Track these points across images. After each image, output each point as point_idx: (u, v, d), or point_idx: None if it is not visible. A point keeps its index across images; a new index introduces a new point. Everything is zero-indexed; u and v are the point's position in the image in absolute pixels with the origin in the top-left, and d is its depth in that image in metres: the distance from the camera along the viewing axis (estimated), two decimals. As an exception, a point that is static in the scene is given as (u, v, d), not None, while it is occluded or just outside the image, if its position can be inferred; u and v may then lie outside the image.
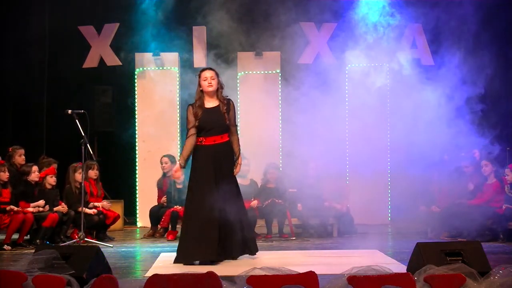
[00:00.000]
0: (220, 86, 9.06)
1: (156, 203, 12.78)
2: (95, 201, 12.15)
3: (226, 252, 8.80)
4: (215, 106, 8.99)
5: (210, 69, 9.23)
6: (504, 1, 12.50)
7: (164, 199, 12.57)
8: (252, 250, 9.04)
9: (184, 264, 8.64)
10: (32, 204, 11.19)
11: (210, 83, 8.97)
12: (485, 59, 12.64)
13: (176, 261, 8.80)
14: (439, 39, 13.09)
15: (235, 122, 9.15)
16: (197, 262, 8.70)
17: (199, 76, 9.10)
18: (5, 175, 11.07)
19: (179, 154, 13.82)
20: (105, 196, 12.58)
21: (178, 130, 14.52)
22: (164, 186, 12.75)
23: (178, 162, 9.22)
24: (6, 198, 10.98)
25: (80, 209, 11.20)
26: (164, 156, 13.08)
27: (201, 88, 9.04)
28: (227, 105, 9.01)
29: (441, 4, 12.30)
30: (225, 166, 8.93)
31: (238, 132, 9.24)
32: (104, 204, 12.24)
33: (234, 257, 8.81)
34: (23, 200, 11.22)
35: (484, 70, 12.56)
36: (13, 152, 11.94)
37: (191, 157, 9.04)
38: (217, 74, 9.10)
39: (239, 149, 9.09)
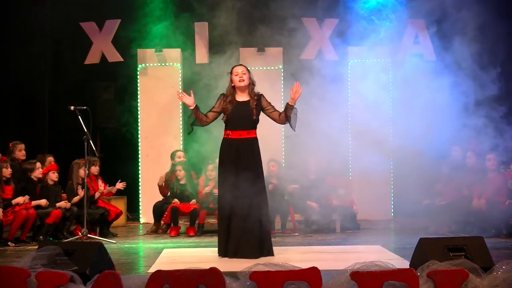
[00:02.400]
0: (251, 82, 9.07)
1: (159, 200, 12.76)
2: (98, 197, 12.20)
3: (241, 252, 8.78)
4: (245, 101, 9.03)
5: (242, 65, 9.27)
6: None
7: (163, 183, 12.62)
8: (269, 252, 8.98)
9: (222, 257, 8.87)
10: (33, 202, 11.19)
11: (242, 77, 9.00)
12: (492, 52, 12.66)
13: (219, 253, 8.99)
14: (442, 33, 13.06)
15: (272, 105, 9.15)
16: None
17: (231, 73, 9.13)
18: (7, 172, 11.07)
19: (182, 147, 13.89)
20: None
21: (181, 126, 14.53)
22: (171, 180, 12.74)
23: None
24: (9, 194, 10.99)
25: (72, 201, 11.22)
26: (179, 150, 13.23)
27: (233, 84, 9.06)
28: (258, 101, 9.02)
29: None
30: (249, 162, 8.92)
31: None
32: (105, 189, 12.30)
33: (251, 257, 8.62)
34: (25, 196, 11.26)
35: (490, 65, 12.58)
36: (13, 148, 11.97)
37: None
38: (248, 70, 9.11)
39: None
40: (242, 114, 8.94)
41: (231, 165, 8.86)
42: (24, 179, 11.53)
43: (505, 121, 11.89)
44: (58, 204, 11.37)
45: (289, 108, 8.93)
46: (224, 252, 8.89)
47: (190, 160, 12.97)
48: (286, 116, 8.98)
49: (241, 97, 9.03)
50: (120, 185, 12.43)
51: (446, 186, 12.26)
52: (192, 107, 9.00)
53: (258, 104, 9.01)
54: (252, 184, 8.82)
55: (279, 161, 12.98)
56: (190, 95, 9.04)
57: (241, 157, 8.88)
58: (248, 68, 9.20)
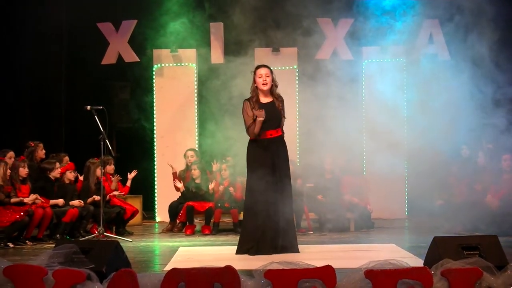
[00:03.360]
0: (274, 84, 9.09)
1: (175, 199, 12.77)
2: (113, 196, 12.23)
3: (267, 248, 8.82)
4: (269, 102, 9.07)
5: (266, 66, 9.20)
6: None
7: (181, 186, 12.61)
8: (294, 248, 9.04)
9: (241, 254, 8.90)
10: (51, 201, 11.25)
11: (265, 80, 9.02)
12: (509, 52, 12.61)
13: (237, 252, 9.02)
14: (456, 33, 13.01)
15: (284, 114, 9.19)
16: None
17: (254, 73, 9.13)
18: (24, 171, 11.14)
19: (197, 146, 13.91)
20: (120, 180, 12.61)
21: (196, 126, 14.56)
22: (186, 179, 12.76)
23: (260, 120, 8.93)
24: (25, 193, 11.06)
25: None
26: (189, 150, 13.19)
27: (255, 85, 9.07)
28: (282, 102, 9.09)
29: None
30: (279, 161, 8.97)
31: None
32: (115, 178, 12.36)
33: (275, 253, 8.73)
34: (43, 196, 11.27)
35: (506, 64, 12.53)
36: (35, 147, 12.04)
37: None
38: (271, 72, 9.12)
39: None
40: (270, 114, 8.96)
41: (263, 165, 8.91)
42: (43, 178, 11.58)
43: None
44: (71, 203, 11.41)
45: None
46: (250, 250, 8.88)
47: (205, 159, 12.99)
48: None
49: (265, 98, 9.08)
50: (131, 175, 12.48)
51: (458, 185, 12.24)
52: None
53: (282, 105, 9.09)
54: (284, 183, 8.92)
55: (294, 160, 12.96)
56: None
57: (273, 156, 8.94)
58: (271, 69, 9.19)
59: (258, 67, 9.20)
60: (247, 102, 9.08)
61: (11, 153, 11.64)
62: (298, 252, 8.95)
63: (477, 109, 11.87)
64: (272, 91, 9.09)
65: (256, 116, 8.88)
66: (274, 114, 9.00)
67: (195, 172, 12.60)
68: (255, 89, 9.10)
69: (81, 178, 12.23)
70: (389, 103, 13.74)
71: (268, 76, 9.03)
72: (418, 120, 13.09)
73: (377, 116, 13.97)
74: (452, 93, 12.31)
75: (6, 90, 14.00)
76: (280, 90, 9.29)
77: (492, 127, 11.85)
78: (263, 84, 9.01)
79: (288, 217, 9.02)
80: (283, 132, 9.13)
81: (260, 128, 8.92)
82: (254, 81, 9.10)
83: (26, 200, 10.83)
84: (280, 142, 9.06)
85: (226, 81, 11.57)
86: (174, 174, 12.73)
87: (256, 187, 8.92)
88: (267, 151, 8.95)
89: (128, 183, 12.61)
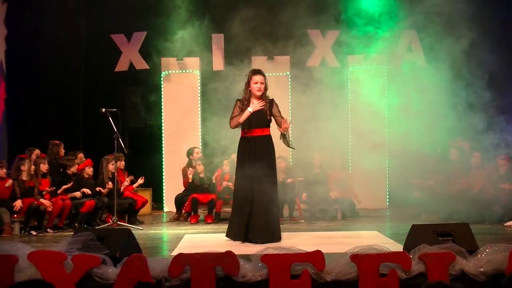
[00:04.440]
0: (265, 88, 9.02)
1: (180, 191, 12.77)
2: (125, 189, 12.21)
3: (253, 237, 8.74)
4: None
5: (261, 73, 9.09)
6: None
7: (190, 172, 12.59)
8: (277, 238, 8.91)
9: (233, 240, 8.89)
10: (69, 194, 11.27)
11: (260, 88, 8.95)
12: (480, 61, 12.61)
13: (227, 235, 9.03)
14: (432, 42, 13.00)
15: (280, 114, 9.04)
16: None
17: (250, 78, 9.03)
18: (44, 167, 11.18)
19: (200, 145, 13.89)
20: (133, 181, 12.57)
21: (199, 127, 14.54)
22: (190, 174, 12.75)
23: (249, 111, 8.91)
24: (45, 187, 11.11)
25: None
26: (196, 147, 13.23)
27: (249, 88, 9.01)
28: (270, 104, 8.97)
29: (434, 11, 12.22)
30: (265, 157, 8.89)
31: None
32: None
33: (260, 242, 8.57)
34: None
35: (477, 72, 12.54)
36: (58, 146, 12.05)
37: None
38: (265, 78, 9.06)
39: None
40: (257, 115, 8.91)
41: (248, 160, 8.84)
42: (61, 174, 11.59)
43: (493, 122, 11.82)
44: (83, 190, 11.38)
45: (281, 134, 8.98)
46: (236, 236, 8.89)
47: (208, 156, 12.99)
48: (281, 136, 9.02)
49: (255, 100, 9.00)
50: (140, 181, 12.48)
51: (433, 178, 12.24)
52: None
53: (270, 107, 8.98)
54: (266, 176, 8.81)
55: (286, 157, 12.96)
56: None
57: (257, 152, 8.86)
58: (265, 76, 9.13)
59: (255, 73, 9.08)
60: (239, 102, 9.06)
61: (37, 151, 11.71)
62: (280, 240, 8.78)
63: (452, 111, 11.86)
64: (262, 96, 9.02)
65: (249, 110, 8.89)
66: (260, 115, 8.92)
67: (200, 168, 12.59)
68: (249, 92, 9.03)
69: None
70: (372, 106, 13.75)
71: (262, 84, 8.97)
72: (398, 122, 13.06)
73: (361, 117, 13.99)
74: (430, 97, 12.30)
75: (31, 95, 13.98)
76: (274, 94, 9.25)
77: (467, 128, 11.85)
78: (257, 90, 8.95)
79: (273, 208, 8.91)
80: (269, 132, 9.01)
81: (246, 121, 8.87)
82: (249, 85, 9.02)
83: (44, 201, 10.83)
84: (266, 140, 8.95)
85: (227, 86, 11.55)
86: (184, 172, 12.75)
87: (242, 180, 8.89)
88: (254, 147, 8.88)
89: (135, 185, 12.55)
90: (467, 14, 11.97)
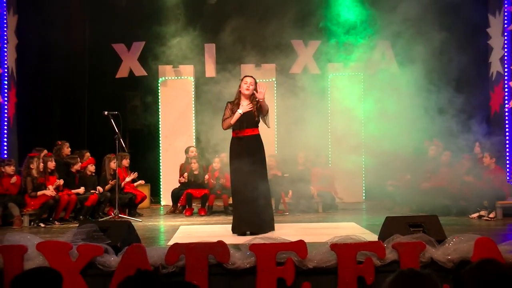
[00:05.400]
0: (255, 91, 8.95)
1: (176, 186, 12.80)
2: (126, 184, 12.18)
3: (257, 227, 8.65)
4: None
5: (251, 76, 9.16)
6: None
7: (184, 179, 12.57)
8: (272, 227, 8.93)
9: (238, 235, 8.66)
10: (73, 190, 11.23)
11: (248, 87, 8.93)
12: (445, 70, 12.69)
13: (233, 231, 8.85)
14: (403, 52, 13.04)
15: (267, 111, 9.02)
16: (248, 233, 8.63)
17: (241, 80, 9.09)
18: (52, 165, 11.17)
19: (194, 145, 13.88)
20: (134, 180, 12.54)
21: (194, 128, 14.52)
22: (186, 170, 12.75)
23: (239, 112, 8.87)
24: (52, 183, 11.06)
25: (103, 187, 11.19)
26: (192, 146, 13.24)
27: (240, 89, 8.99)
28: (257, 106, 8.92)
29: (405, 21, 12.27)
30: (256, 154, 8.85)
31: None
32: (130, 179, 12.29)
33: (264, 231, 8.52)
34: (66, 186, 11.28)
35: (443, 79, 12.60)
36: (62, 145, 12.01)
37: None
38: (255, 82, 9.03)
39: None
40: (247, 117, 8.89)
41: (241, 158, 8.80)
42: (66, 172, 11.56)
43: (457, 124, 11.86)
44: (75, 191, 11.33)
45: (260, 103, 8.91)
46: (242, 228, 8.76)
47: (201, 154, 12.99)
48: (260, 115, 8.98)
49: (245, 102, 8.97)
50: (140, 182, 12.47)
51: (405, 175, 12.28)
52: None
53: (258, 108, 8.95)
54: (258, 171, 8.79)
55: (273, 155, 12.97)
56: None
57: (249, 150, 8.83)
58: (256, 80, 9.11)
59: (246, 76, 9.18)
60: (229, 103, 9.04)
61: (45, 151, 11.66)
62: (274, 230, 8.82)
63: (424, 114, 11.90)
64: (252, 97, 9.00)
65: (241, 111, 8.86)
66: (250, 116, 8.90)
67: (194, 165, 12.59)
68: (239, 93, 9.02)
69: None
70: (350, 110, 13.78)
71: (251, 84, 8.96)
72: (374, 124, 13.09)
73: (340, 120, 14.01)
74: (403, 102, 12.33)
75: (40, 99, 13.92)
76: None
77: (437, 129, 11.89)
78: (246, 89, 8.93)
79: (266, 199, 8.90)
80: (259, 131, 8.97)
81: (236, 122, 8.84)
82: (240, 86, 9.04)
83: (48, 193, 10.75)
84: (256, 139, 8.91)
85: (218, 90, 11.55)
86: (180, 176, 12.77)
87: (237, 176, 8.86)
88: (245, 145, 8.84)
89: (136, 184, 12.50)
90: (435, 24, 12.05)
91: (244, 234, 8.63)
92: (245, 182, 8.75)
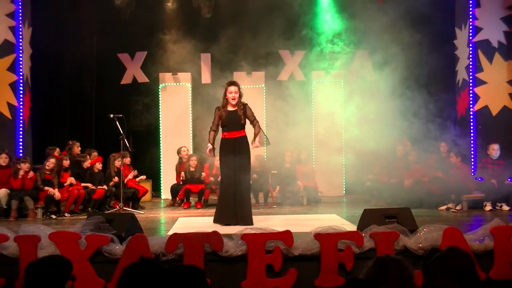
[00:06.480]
0: (239, 96, 8.90)
1: (175, 182, 12.81)
2: (129, 180, 12.15)
3: (239, 219, 8.59)
4: (234, 110, 8.86)
5: (235, 84, 8.99)
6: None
7: (181, 178, 12.58)
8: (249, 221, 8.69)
9: (221, 225, 8.53)
10: (83, 184, 11.20)
11: (234, 97, 8.82)
12: (417, 76, 12.73)
13: (215, 221, 8.76)
14: (380, 60, 13.06)
15: (254, 117, 8.95)
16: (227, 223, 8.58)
17: (226, 88, 8.90)
18: (66, 163, 11.16)
19: (191, 144, 13.90)
20: (136, 176, 12.50)
21: (191, 129, 14.52)
22: (181, 168, 12.75)
23: (208, 146, 8.92)
24: (66, 179, 11.03)
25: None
26: (183, 147, 13.16)
27: (226, 98, 8.90)
28: (243, 109, 8.86)
29: (382, 35, 12.30)
30: (242, 154, 8.78)
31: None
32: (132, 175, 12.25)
33: (246, 223, 8.34)
34: (77, 180, 11.23)
35: (415, 84, 12.64)
36: (73, 145, 12.02)
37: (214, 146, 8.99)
38: (239, 89, 8.92)
39: (260, 131, 8.93)
40: (233, 120, 8.85)
41: (228, 157, 8.77)
42: (77, 168, 11.52)
43: (429, 125, 11.90)
44: (84, 184, 11.28)
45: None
46: (223, 220, 8.71)
47: (198, 152, 12.98)
48: (248, 141, 8.90)
49: (231, 107, 8.91)
50: (141, 177, 12.44)
51: (381, 171, 12.31)
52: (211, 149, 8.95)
53: (244, 111, 8.89)
54: (243, 169, 8.75)
55: (262, 155, 12.99)
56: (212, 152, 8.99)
57: (235, 151, 8.79)
58: (239, 86, 9.03)
59: (230, 84, 9.00)
60: (217, 109, 8.96)
61: (57, 150, 11.68)
62: (252, 224, 8.43)
63: (399, 117, 11.92)
64: (237, 103, 8.92)
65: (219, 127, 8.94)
66: (236, 119, 8.82)
67: (193, 163, 12.59)
68: (225, 100, 8.93)
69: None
70: (332, 114, 13.80)
71: (236, 93, 8.86)
72: (352, 126, 13.11)
73: (323, 123, 14.02)
74: (380, 106, 12.37)
75: (52, 103, 13.92)
76: (251, 103, 9.15)
77: (411, 131, 11.92)
78: (232, 99, 8.84)
79: (246, 195, 8.82)
80: (245, 133, 8.87)
81: (225, 125, 8.82)
82: (225, 94, 8.94)
83: (51, 190, 10.71)
84: (242, 140, 8.83)
85: (213, 96, 11.54)
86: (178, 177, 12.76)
87: (224, 173, 8.85)
88: (232, 146, 8.78)
89: (138, 179, 12.43)
90: (408, 35, 12.09)
91: (228, 225, 8.51)
92: (229, 178, 8.73)
